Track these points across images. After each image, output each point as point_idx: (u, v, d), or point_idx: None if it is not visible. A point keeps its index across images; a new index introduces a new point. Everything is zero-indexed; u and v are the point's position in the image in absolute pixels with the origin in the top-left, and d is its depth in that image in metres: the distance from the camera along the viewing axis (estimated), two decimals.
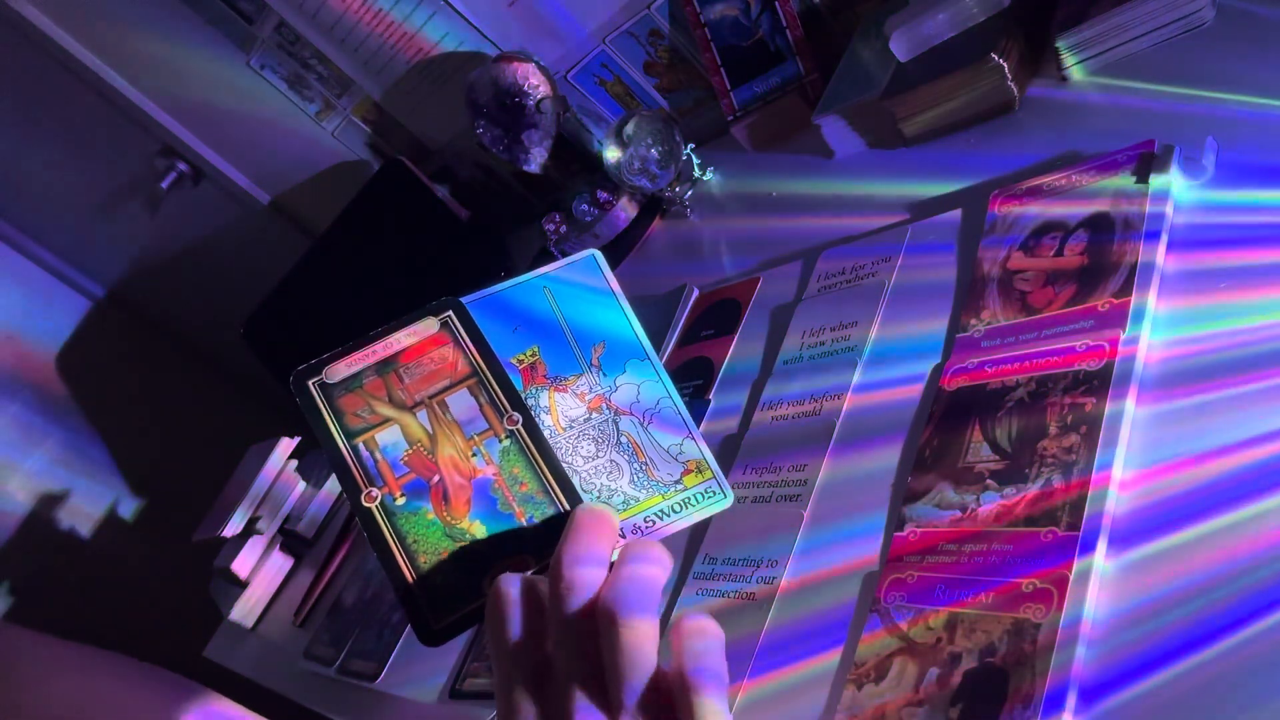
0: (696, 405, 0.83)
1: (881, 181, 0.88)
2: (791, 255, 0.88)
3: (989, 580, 0.51)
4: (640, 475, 0.39)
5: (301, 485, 1.33)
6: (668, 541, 0.38)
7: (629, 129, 1.07)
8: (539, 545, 0.37)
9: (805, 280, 0.84)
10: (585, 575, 0.33)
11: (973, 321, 0.65)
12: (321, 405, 0.40)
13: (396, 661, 0.93)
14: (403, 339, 0.41)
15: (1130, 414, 0.53)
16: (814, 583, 0.61)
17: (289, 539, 1.30)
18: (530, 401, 0.40)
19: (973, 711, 0.47)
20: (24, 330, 1.88)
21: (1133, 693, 0.44)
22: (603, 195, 1.20)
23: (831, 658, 0.55)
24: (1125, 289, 0.57)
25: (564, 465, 0.39)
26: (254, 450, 1.37)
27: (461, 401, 0.40)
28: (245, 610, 1.26)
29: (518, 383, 0.40)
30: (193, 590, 1.45)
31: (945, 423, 0.61)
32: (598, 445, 0.40)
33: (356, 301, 1.41)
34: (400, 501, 0.38)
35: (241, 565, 1.26)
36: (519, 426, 0.39)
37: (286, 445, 1.33)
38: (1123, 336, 0.55)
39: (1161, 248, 0.58)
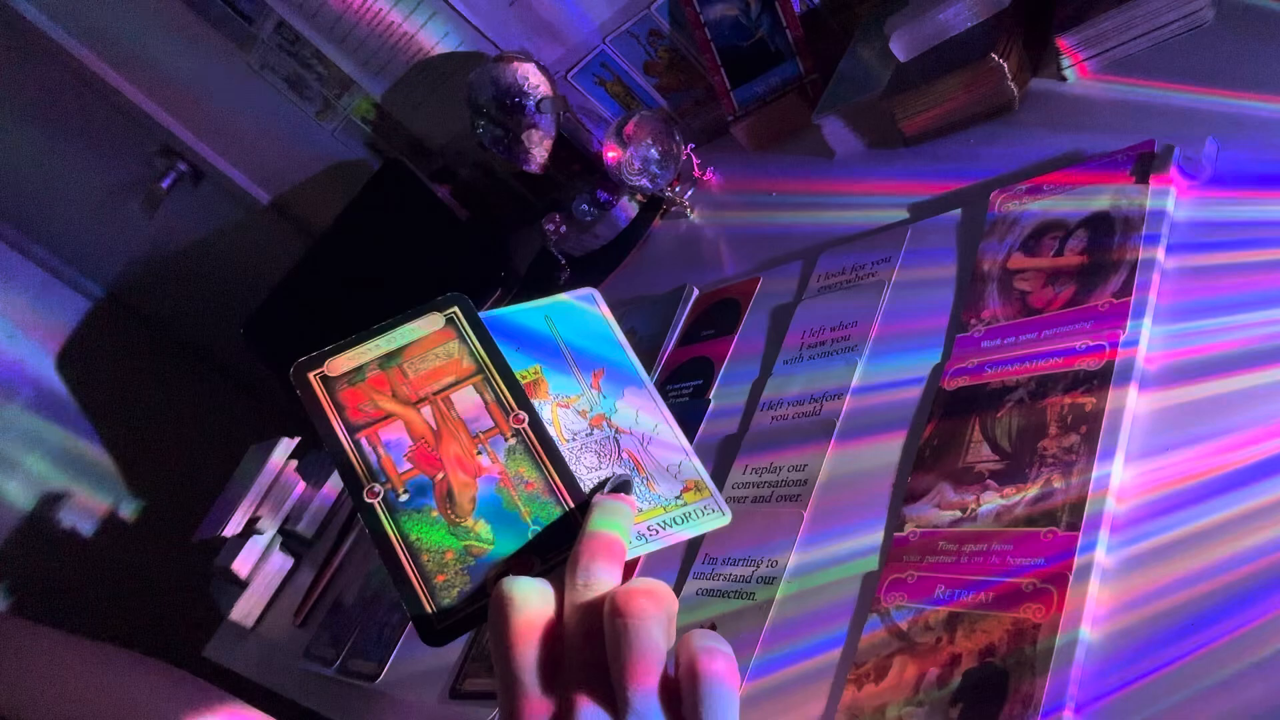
0: (696, 405, 0.83)
1: (881, 181, 0.88)
2: (791, 255, 0.88)
3: (989, 580, 0.51)
4: (642, 488, 0.40)
5: (301, 485, 1.33)
6: (668, 547, 0.39)
7: (629, 129, 1.07)
8: (544, 546, 0.36)
9: (805, 280, 0.84)
10: (604, 569, 0.33)
11: (973, 321, 0.65)
12: (323, 398, 0.39)
13: (396, 661, 0.93)
14: (407, 333, 0.41)
15: (1130, 414, 0.53)
16: (814, 583, 0.61)
17: (289, 539, 1.30)
18: None
19: (973, 711, 0.47)
20: (24, 330, 1.88)
21: (1133, 692, 0.44)
22: (603, 195, 1.20)
23: (831, 658, 0.55)
24: (1125, 289, 0.57)
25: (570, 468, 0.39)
26: (254, 450, 1.37)
27: (467, 399, 0.39)
28: (245, 610, 1.26)
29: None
30: (193, 590, 1.45)
31: (945, 423, 0.61)
32: (600, 458, 0.40)
33: (356, 302, 1.41)
34: (403, 498, 0.37)
35: (241, 565, 1.26)
36: (525, 425, 0.38)
37: (286, 445, 1.33)
38: (1123, 336, 0.55)
39: (1161, 247, 0.58)
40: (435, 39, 1.31)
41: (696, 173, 1.12)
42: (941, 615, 0.51)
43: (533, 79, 1.17)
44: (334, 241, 1.49)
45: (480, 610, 0.35)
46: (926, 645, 0.51)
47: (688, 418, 0.82)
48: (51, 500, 1.85)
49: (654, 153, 1.06)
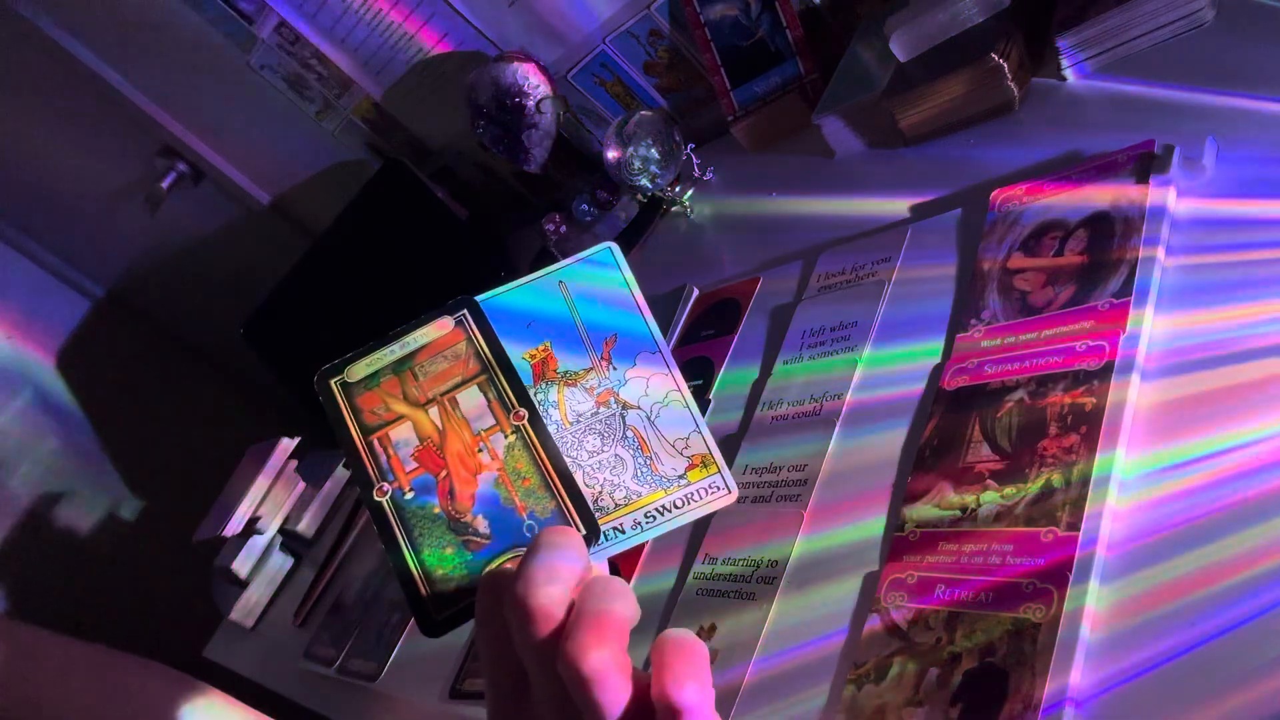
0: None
1: (881, 181, 0.88)
2: (791, 255, 0.88)
3: (989, 580, 0.51)
4: (644, 470, 0.40)
5: (301, 485, 1.33)
6: (668, 537, 0.38)
7: (629, 129, 1.07)
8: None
9: (805, 280, 0.84)
10: (544, 601, 0.32)
11: (973, 321, 0.65)
12: (342, 403, 0.41)
13: (396, 661, 0.93)
14: (419, 337, 0.42)
15: (1130, 414, 0.53)
16: (814, 582, 0.61)
17: (289, 539, 1.30)
18: (539, 397, 0.41)
19: (973, 711, 0.47)
20: (24, 330, 1.88)
21: (1133, 692, 0.44)
22: (603, 195, 1.20)
23: (831, 657, 0.55)
24: (1125, 289, 0.57)
25: (568, 460, 0.39)
26: (254, 450, 1.37)
27: (471, 398, 0.41)
28: (245, 610, 1.26)
29: (528, 379, 0.41)
30: (193, 590, 1.45)
31: (945, 422, 0.61)
32: (603, 440, 0.40)
33: (356, 301, 1.41)
34: (409, 496, 0.39)
35: (241, 565, 1.26)
36: (524, 422, 0.40)
37: (286, 445, 1.33)
38: (1123, 336, 0.55)
39: (1161, 247, 0.58)
40: (435, 39, 1.31)
41: (696, 173, 1.12)
42: (941, 615, 0.51)
43: (533, 79, 1.17)
44: (334, 241, 1.49)
45: (474, 603, 0.36)
46: (926, 645, 0.51)
47: None
48: (51, 500, 1.85)
49: (654, 153, 1.06)
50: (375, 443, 0.40)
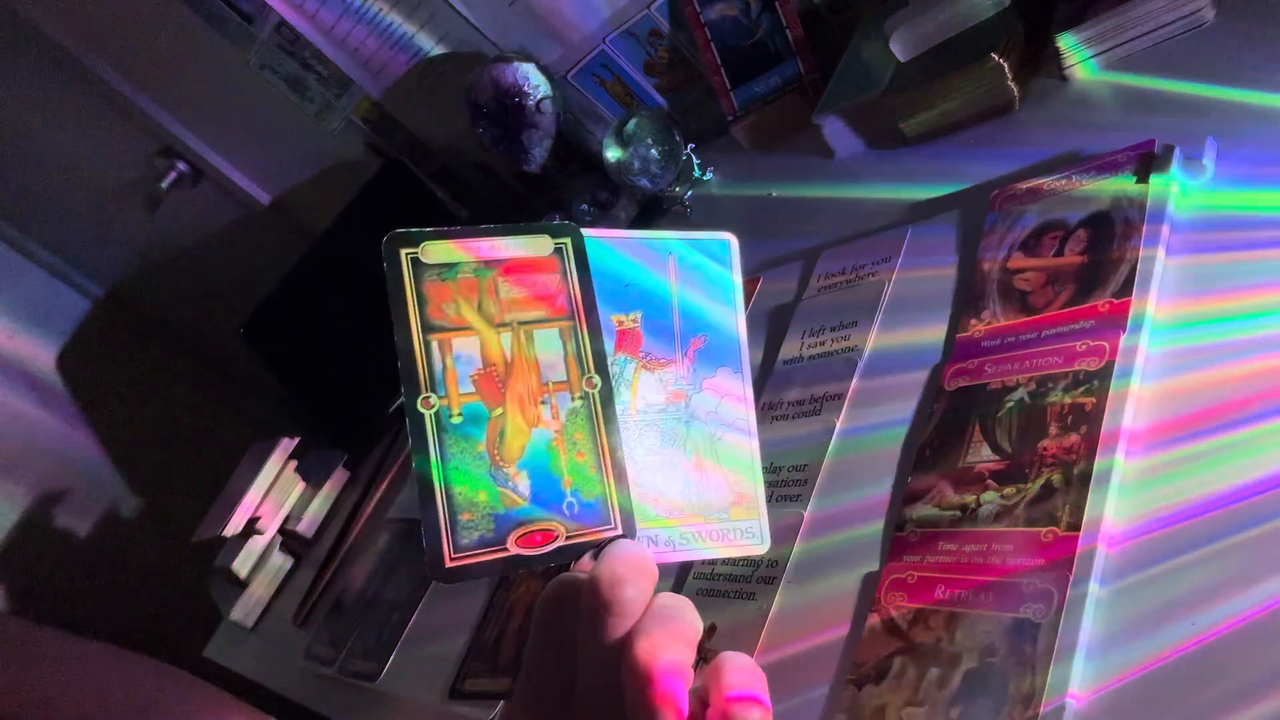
0: None
1: (881, 181, 0.88)
2: (791, 255, 0.88)
3: (989, 580, 0.51)
4: (692, 489, 0.37)
5: (301, 485, 1.33)
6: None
7: (629, 129, 1.07)
8: (573, 521, 0.35)
9: (805, 280, 0.84)
10: (628, 596, 0.31)
11: (973, 322, 0.65)
12: (408, 282, 0.35)
13: (396, 661, 0.93)
14: (511, 247, 0.37)
15: (1130, 414, 0.53)
16: (814, 582, 0.61)
17: (289, 539, 1.30)
18: (615, 370, 0.37)
19: (973, 711, 0.47)
20: (24, 330, 1.88)
21: (1133, 692, 0.44)
22: (603, 195, 1.20)
23: (831, 658, 0.55)
24: (1125, 289, 0.57)
25: (626, 450, 0.36)
26: (254, 450, 1.37)
27: (549, 342, 0.36)
28: (245, 610, 1.26)
29: (612, 344, 0.37)
30: (193, 590, 1.45)
31: (945, 423, 0.61)
32: (663, 440, 0.37)
33: (356, 302, 1.41)
34: (455, 421, 0.35)
35: (241, 565, 1.26)
36: (596, 391, 0.36)
37: (286, 445, 1.33)
38: (1123, 336, 0.55)
39: (1162, 247, 0.58)
40: (435, 39, 1.31)
41: (696, 173, 1.12)
42: (941, 615, 0.51)
43: (533, 79, 1.17)
44: (334, 241, 1.49)
45: (491, 563, 0.34)
46: (926, 645, 0.51)
47: None
48: (51, 500, 1.85)
49: (654, 153, 1.06)
50: (434, 345, 0.35)
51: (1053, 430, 0.55)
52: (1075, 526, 0.49)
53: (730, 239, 0.40)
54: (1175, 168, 0.61)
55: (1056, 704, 0.44)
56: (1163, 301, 0.57)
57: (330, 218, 1.49)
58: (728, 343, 0.39)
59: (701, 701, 0.31)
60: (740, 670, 0.31)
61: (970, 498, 0.56)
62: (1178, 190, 0.61)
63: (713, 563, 0.68)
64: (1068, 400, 0.55)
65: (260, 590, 1.27)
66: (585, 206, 1.25)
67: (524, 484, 0.35)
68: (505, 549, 0.34)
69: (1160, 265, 0.58)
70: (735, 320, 0.39)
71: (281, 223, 1.73)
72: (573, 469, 0.35)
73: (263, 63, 1.45)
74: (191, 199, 1.72)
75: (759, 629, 0.60)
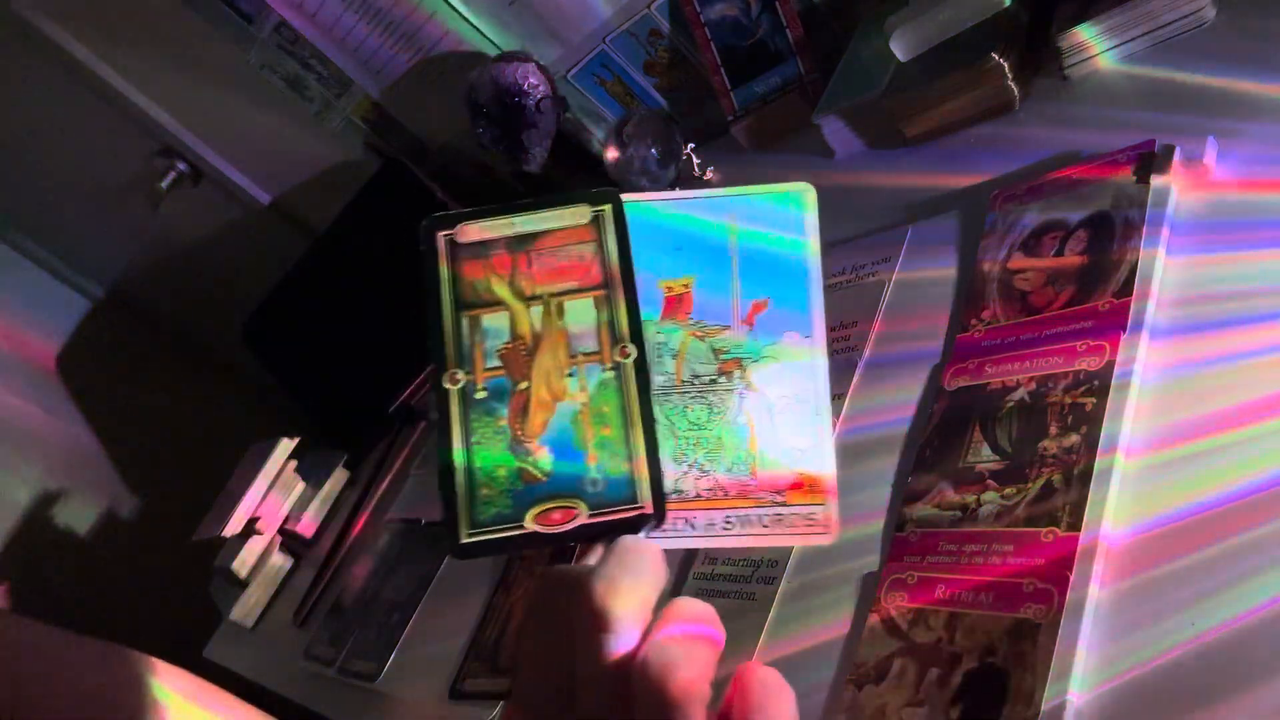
0: None
1: (881, 181, 0.88)
2: None
3: (989, 580, 0.51)
4: (742, 467, 0.34)
5: (301, 485, 1.33)
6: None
7: (629, 129, 1.07)
8: (597, 500, 0.33)
9: None
10: (627, 610, 0.29)
11: (973, 321, 0.65)
12: (444, 263, 0.36)
13: (396, 661, 0.93)
14: (548, 219, 0.36)
15: (1131, 414, 0.53)
16: (814, 582, 0.61)
17: (289, 539, 1.30)
18: (659, 339, 0.35)
19: (973, 711, 0.47)
20: (24, 330, 1.88)
21: (1133, 692, 0.44)
22: None
23: (831, 658, 0.55)
24: (1125, 289, 0.57)
25: (664, 424, 0.34)
26: (254, 450, 1.37)
27: (581, 312, 0.35)
28: (245, 610, 1.26)
29: (654, 312, 0.35)
30: (193, 590, 1.45)
31: (945, 423, 0.61)
32: (711, 413, 0.34)
33: (356, 302, 1.41)
34: (480, 396, 0.34)
35: (241, 565, 1.26)
36: (629, 361, 0.34)
37: (286, 445, 1.33)
38: (1123, 336, 0.55)
39: (1162, 247, 0.58)
40: (435, 39, 1.31)
41: (696, 173, 1.12)
42: (941, 615, 0.51)
43: (533, 79, 1.17)
44: (334, 241, 1.49)
45: (508, 540, 0.33)
46: (926, 645, 0.51)
47: None
48: (51, 500, 1.85)
49: (654, 153, 1.06)
50: (465, 321, 0.35)
51: (1053, 430, 0.55)
52: (1075, 526, 0.49)
53: (805, 190, 0.37)
54: (1175, 168, 0.61)
55: (1056, 704, 0.44)
56: (1163, 301, 0.57)
57: (330, 218, 1.49)
58: (796, 305, 0.36)
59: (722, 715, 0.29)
60: (776, 692, 0.29)
61: (970, 498, 0.56)
62: (1178, 190, 0.61)
63: (713, 561, 0.68)
64: (1068, 400, 0.55)
65: (260, 590, 1.27)
66: None
67: (545, 459, 0.33)
68: (522, 526, 0.33)
69: (1160, 265, 0.58)
70: (807, 280, 0.36)
71: (281, 223, 1.73)
72: (599, 444, 0.33)
73: (263, 63, 1.44)
74: (191, 199, 1.72)
75: (759, 629, 0.60)
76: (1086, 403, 0.54)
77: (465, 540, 0.33)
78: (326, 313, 1.47)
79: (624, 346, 0.34)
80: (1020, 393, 0.58)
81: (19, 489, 1.82)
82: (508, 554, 0.33)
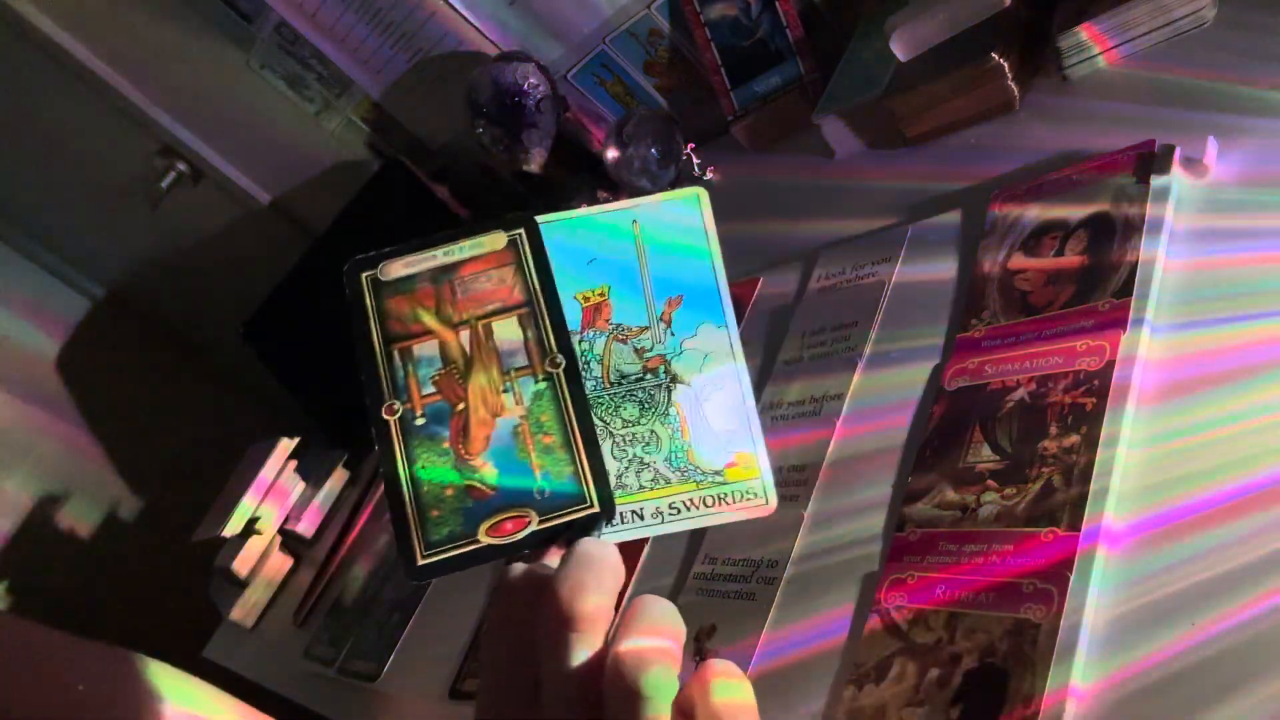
0: None
1: (881, 181, 0.88)
2: (791, 255, 0.88)
3: (989, 580, 0.51)
4: (679, 455, 0.36)
5: (301, 485, 1.33)
6: (671, 536, 0.35)
7: (629, 129, 1.07)
8: (546, 505, 0.34)
9: (805, 280, 0.84)
10: (591, 609, 0.29)
11: (973, 321, 0.65)
12: (369, 302, 0.38)
13: (396, 661, 0.93)
14: (467, 248, 0.38)
15: (1131, 414, 0.53)
16: (814, 582, 0.61)
17: (289, 539, 1.30)
18: (583, 347, 0.37)
19: (973, 711, 0.47)
20: (24, 330, 1.88)
21: (1133, 692, 0.44)
22: (603, 195, 1.20)
23: (831, 658, 0.55)
24: (1126, 289, 0.57)
25: (599, 425, 0.36)
26: (254, 450, 1.37)
27: (508, 330, 0.36)
28: (245, 610, 1.26)
29: (575, 323, 0.37)
30: (193, 590, 1.45)
31: (945, 423, 0.61)
32: (642, 411, 0.36)
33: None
34: (419, 423, 0.35)
35: (241, 565, 1.26)
36: (560, 371, 0.36)
37: (286, 445, 1.33)
38: (1123, 336, 0.55)
39: (1162, 248, 0.58)
40: (435, 39, 1.31)
41: (696, 173, 1.12)
42: (941, 615, 0.51)
43: (533, 79, 1.17)
44: (334, 241, 1.48)
45: (463, 556, 0.34)
46: (926, 645, 0.51)
47: None
48: (51, 500, 1.85)
49: (654, 153, 1.06)
50: (396, 354, 0.36)
51: (1053, 430, 0.55)
52: (1075, 526, 0.49)
53: (700, 192, 0.39)
54: (1175, 168, 0.61)
55: (1056, 704, 0.44)
56: (1163, 301, 0.57)
57: (330, 218, 1.49)
58: (706, 296, 0.38)
59: (682, 711, 0.30)
60: (721, 683, 0.30)
61: (970, 498, 0.56)
62: (1178, 190, 0.61)
63: (713, 561, 0.68)
64: (1068, 400, 0.55)
65: (260, 590, 1.27)
66: (585, 206, 1.24)
67: (490, 474, 0.35)
68: (476, 540, 0.34)
69: (1160, 265, 0.58)
70: (713, 271, 0.38)
71: (281, 223, 1.73)
72: (541, 452, 0.35)
73: (263, 63, 1.45)
74: (191, 199, 1.72)
75: (759, 629, 0.60)
76: (1086, 403, 0.54)
77: (421, 563, 0.34)
78: (326, 313, 1.47)
79: (554, 357, 0.36)
80: (1020, 393, 0.58)
81: (19, 489, 1.82)
82: (465, 569, 0.34)
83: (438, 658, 0.87)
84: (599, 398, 0.36)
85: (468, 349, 0.36)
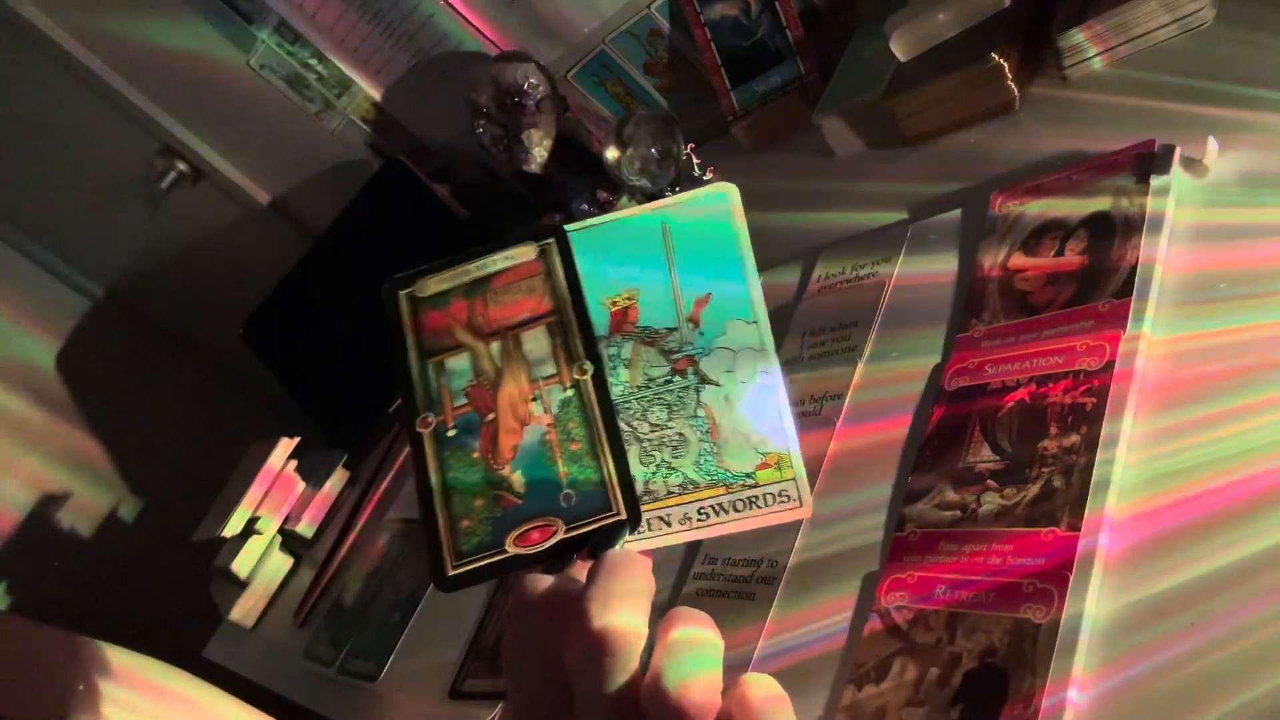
0: None
1: (881, 181, 0.88)
2: (791, 255, 0.88)
3: (989, 580, 0.51)
4: (708, 458, 0.35)
5: (301, 485, 1.33)
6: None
7: (629, 129, 1.07)
8: (573, 513, 0.34)
9: (805, 280, 0.84)
10: (625, 626, 0.28)
11: (973, 321, 0.65)
12: (407, 319, 0.38)
13: (396, 661, 0.93)
14: (499, 261, 0.38)
15: (1131, 413, 0.53)
16: (814, 582, 0.61)
17: (289, 539, 1.30)
18: (612, 350, 0.37)
19: (973, 711, 0.47)
20: (24, 330, 1.88)
21: (1133, 692, 0.44)
22: (603, 195, 1.20)
23: (831, 658, 0.55)
24: (1125, 289, 0.57)
25: (626, 430, 0.35)
26: (254, 450, 1.37)
27: (536, 340, 0.37)
28: (245, 610, 1.26)
29: (604, 329, 0.37)
30: (193, 590, 1.44)
31: (945, 423, 0.61)
32: (670, 413, 0.36)
33: (356, 302, 1.40)
34: (451, 434, 0.36)
35: (241, 565, 1.26)
36: (587, 378, 0.36)
37: (286, 445, 1.33)
38: (1123, 336, 0.55)
39: (1162, 248, 0.58)
40: (435, 39, 1.31)
41: (696, 173, 1.12)
42: (941, 615, 0.51)
43: (533, 79, 1.17)
44: (334, 241, 1.49)
45: (494, 565, 0.34)
46: (926, 645, 0.51)
47: None
48: (51, 500, 1.85)
49: (654, 153, 1.06)
50: (430, 368, 0.37)
51: (1053, 430, 0.55)
52: (1075, 526, 0.49)
53: (730, 188, 0.39)
54: (1175, 168, 0.61)
55: (1056, 704, 0.44)
56: (1163, 301, 0.57)
57: (330, 218, 1.49)
58: (735, 293, 0.38)
59: None
60: (769, 706, 0.28)
61: (970, 498, 0.56)
62: (1178, 190, 0.61)
63: (713, 561, 0.68)
64: (1068, 400, 0.55)
65: (260, 590, 1.27)
66: (585, 206, 1.24)
67: (518, 482, 0.35)
68: (504, 550, 0.34)
69: (1160, 265, 0.58)
70: (742, 269, 0.38)
71: (281, 223, 1.73)
72: (569, 459, 0.35)
73: (263, 63, 1.45)
74: (191, 199, 1.72)
75: (759, 629, 0.60)
76: (1086, 403, 0.54)
77: (452, 573, 0.34)
78: (326, 313, 1.47)
79: (581, 365, 0.36)
80: (1020, 392, 0.58)
81: (19, 489, 1.82)
82: (494, 579, 0.34)
83: (438, 658, 0.87)
84: (626, 402, 0.36)
85: (498, 360, 0.37)
